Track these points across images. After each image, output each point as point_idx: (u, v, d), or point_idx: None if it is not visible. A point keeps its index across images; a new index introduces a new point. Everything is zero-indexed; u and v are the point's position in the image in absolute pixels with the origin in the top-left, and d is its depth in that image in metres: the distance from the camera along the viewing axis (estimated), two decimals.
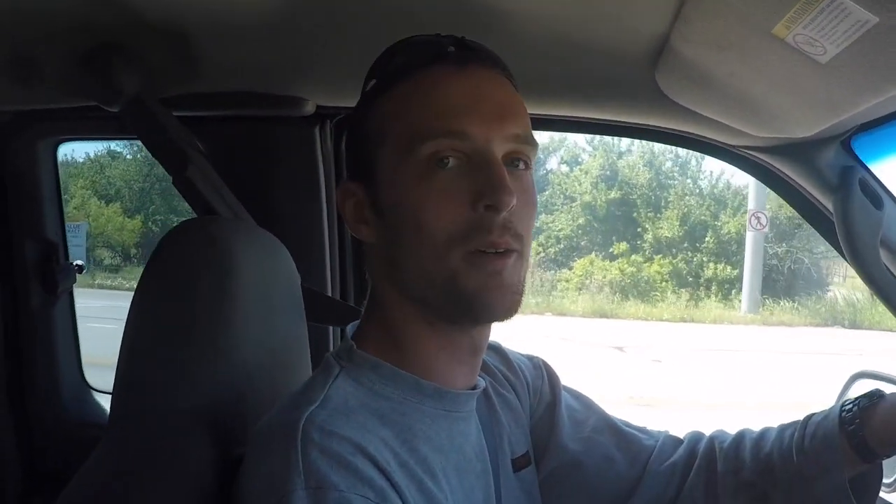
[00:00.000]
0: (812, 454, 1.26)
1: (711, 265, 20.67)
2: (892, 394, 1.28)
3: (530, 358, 1.42)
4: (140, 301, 1.22)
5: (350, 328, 1.16)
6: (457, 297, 1.02)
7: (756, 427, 1.38)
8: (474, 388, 1.14)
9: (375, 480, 0.92)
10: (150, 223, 19.41)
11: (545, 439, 1.34)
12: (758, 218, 18.86)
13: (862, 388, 1.79)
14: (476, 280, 1.01)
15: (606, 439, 1.36)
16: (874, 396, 1.27)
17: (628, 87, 1.66)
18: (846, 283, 21.42)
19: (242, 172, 1.91)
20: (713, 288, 20.38)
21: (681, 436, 1.42)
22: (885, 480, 1.74)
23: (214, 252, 1.21)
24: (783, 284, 21.55)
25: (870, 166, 1.63)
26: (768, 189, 1.83)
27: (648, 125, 1.86)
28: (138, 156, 19.53)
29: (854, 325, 18.95)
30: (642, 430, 1.41)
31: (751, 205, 19.50)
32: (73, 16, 1.46)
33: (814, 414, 1.32)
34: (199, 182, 1.68)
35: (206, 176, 1.71)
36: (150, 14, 1.46)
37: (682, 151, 21.13)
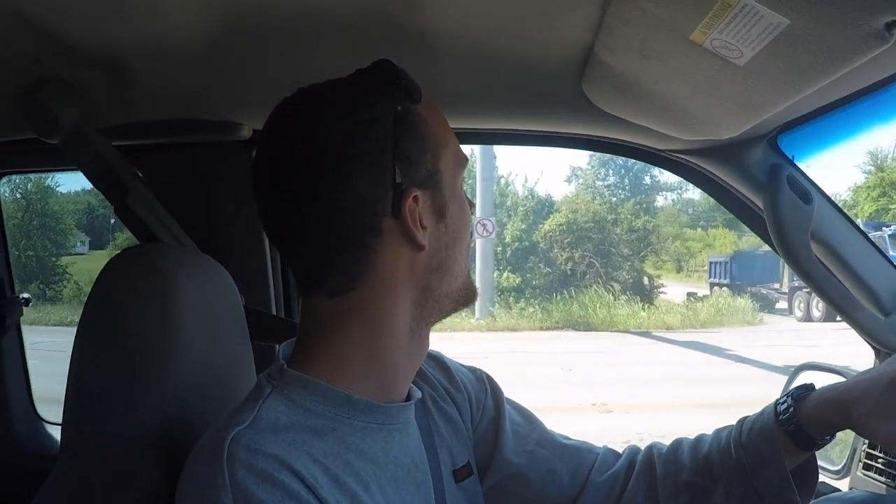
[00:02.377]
0: (751, 447, 1.28)
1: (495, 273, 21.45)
2: (824, 386, 1.31)
3: (473, 371, 1.42)
4: (84, 329, 1.21)
5: (284, 347, 1.15)
6: (471, 289, 1.19)
7: None
8: (408, 398, 1.15)
9: (302, 495, 0.93)
10: (22, 257, 20.41)
11: (489, 453, 1.35)
12: (484, 225, 19.46)
13: (807, 378, 1.84)
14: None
15: (549, 452, 1.38)
16: (807, 388, 1.30)
17: (557, 98, 1.68)
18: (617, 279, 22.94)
19: (183, 199, 1.90)
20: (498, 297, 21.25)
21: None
22: (832, 468, 1.79)
23: (157, 279, 1.21)
24: (570, 287, 22.68)
25: (797, 163, 1.67)
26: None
27: (578, 134, 1.88)
28: (17, 194, 20.99)
29: (588, 328, 20.30)
30: (583, 444, 1.43)
31: (477, 213, 20.05)
32: (8, 51, 1.45)
33: (748, 416, 1.35)
34: (140, 210, 1.68)
35: (147, 204, 1.71)
36: (86, 47, 1.45)
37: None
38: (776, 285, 23.88)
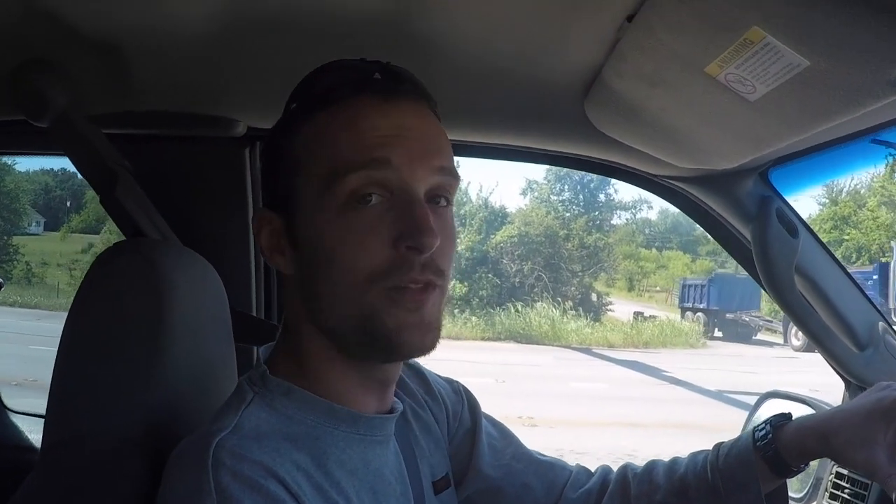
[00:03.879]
0: (727, 472, 1.32)
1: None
2: (802, 416, 1.35)
3: (450, 382, 1.43)
4: (73, 323, 1.21)
5: (263, 351, 1.15)
6: (374, 335, 1.00)
7: None
8: (391, 411, 1.15)
9: (287, 502, 0.93)
10: None
11: (465, 465, 1.36)
12: None
13: (771, 406, 1.88)
14: (396, 318, 1.00)
15: (524, 467, 1.40)
16: (785, 416, 1.35)
17: (558, 117, 1.68)
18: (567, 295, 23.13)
19: (171, 192, 1.87)
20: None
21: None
22: (796, 496, 1.83)
23: (147, 274, 1.21)
24: (517, 299, 23.16)
25: (786, 197, 1.70)
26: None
27: (574, 154, 1.89)
28: None
29: (530, 341, 20.94)
30: (556, 460, 1.45)
31: None
32: (2, 30, 1.43)
33: (724, 441, 1.38)
34: (128, 202, 1.63)
35: (134, 196, 1.67)
36: (81, 31, 1.43)
37: None
38: (755, 312, 23.70)
